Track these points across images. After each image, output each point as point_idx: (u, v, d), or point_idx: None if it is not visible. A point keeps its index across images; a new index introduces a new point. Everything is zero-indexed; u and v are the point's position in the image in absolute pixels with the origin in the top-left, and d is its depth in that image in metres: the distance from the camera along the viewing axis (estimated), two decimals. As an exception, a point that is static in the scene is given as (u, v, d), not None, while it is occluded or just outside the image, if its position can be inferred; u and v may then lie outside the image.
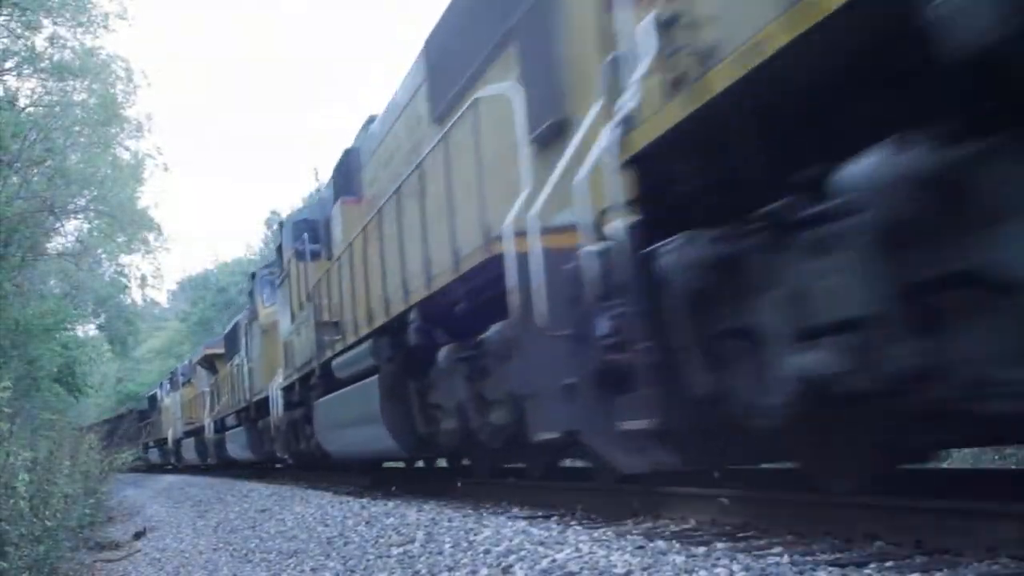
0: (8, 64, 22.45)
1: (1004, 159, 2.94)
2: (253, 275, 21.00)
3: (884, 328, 3.37)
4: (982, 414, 3.24)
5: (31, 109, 23.40)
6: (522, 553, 4.52)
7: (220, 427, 24.79)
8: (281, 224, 19.11)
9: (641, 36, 4.41)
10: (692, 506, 5.47)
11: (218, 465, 26.54)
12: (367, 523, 7.15)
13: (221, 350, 26.03)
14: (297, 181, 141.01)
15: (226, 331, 25.90)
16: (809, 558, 3.82)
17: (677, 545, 4.31)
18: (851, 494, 4.37)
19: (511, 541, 4.88)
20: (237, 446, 22.15)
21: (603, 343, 4.77)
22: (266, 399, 17.44)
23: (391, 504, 8.47)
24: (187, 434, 31.59)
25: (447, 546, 5.23)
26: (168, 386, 37.70)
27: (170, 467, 37.93)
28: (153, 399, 42.58)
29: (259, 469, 22.62)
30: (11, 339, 18.91)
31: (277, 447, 17.55)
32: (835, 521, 4.30)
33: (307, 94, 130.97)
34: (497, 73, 6.82)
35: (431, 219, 7.97)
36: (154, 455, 41.79)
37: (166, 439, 36.67)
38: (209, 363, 28.04)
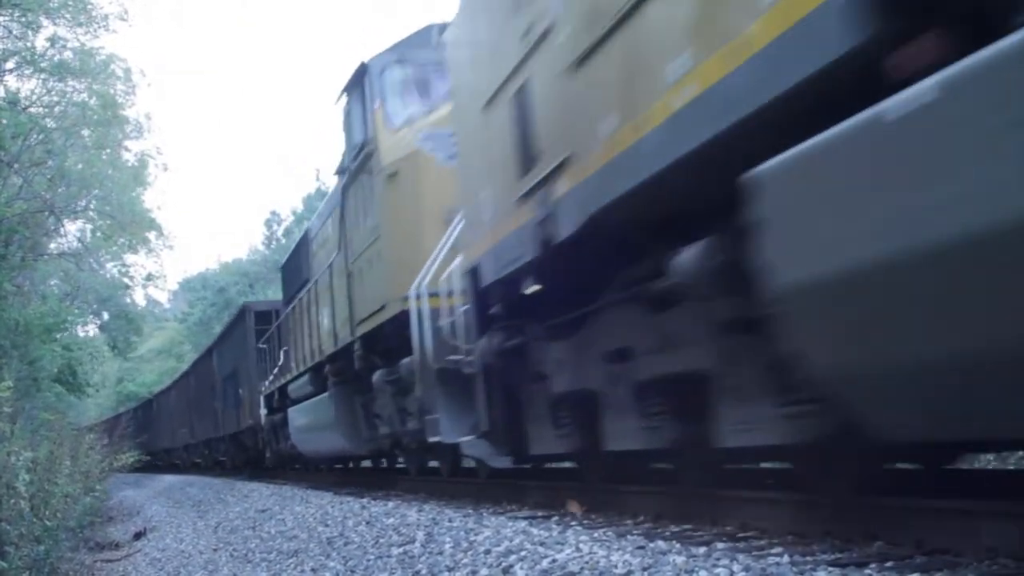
0: (9, 64, 22.45)
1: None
2: None
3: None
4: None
5: (32, 110, 23.38)
6: (522, 553, 4.52)
7: None
8: None
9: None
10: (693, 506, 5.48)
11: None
12: (367, 523, 7.16)
13: None
14: (298, 181, 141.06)
15: None
16: (809, 558, 3.82)
17: (677, 545, 4.31)
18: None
19: (511, 541, 4.88)
20: None
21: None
22: None
23: (391, 504, 8.47)
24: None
25: (447, 546, 5.24)
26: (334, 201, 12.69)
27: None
28: (299, 252, 15.86)
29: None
30: (12, 339, 18.92)
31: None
32: (835, 521, 4.30)
33: (308, 94, 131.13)
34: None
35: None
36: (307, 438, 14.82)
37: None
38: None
